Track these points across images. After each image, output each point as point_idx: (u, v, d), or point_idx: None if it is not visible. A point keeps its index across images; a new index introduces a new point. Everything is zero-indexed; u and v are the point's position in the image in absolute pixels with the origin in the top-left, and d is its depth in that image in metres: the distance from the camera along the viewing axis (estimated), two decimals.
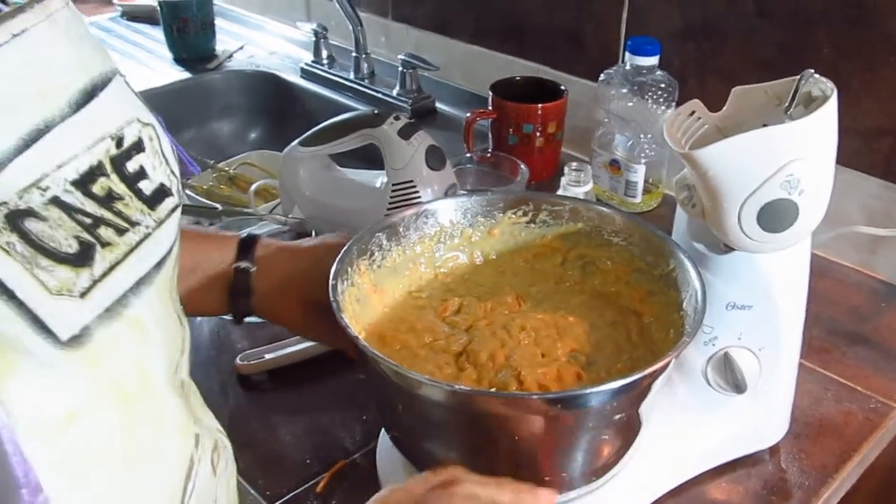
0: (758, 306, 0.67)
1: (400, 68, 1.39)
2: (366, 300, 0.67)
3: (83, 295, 0.37)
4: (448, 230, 0.73)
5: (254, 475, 0.70)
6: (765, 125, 0.59)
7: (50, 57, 0.37)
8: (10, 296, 0.34)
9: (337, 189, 1.00)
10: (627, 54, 1.04)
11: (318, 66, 1.54)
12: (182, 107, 1.53)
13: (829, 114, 0.59)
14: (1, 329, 0.34)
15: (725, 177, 0.59)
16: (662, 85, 1.04)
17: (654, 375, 0.57)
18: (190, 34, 1.65)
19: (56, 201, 0.36)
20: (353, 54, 1.47)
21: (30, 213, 0.35)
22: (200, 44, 1.66)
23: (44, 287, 0.35)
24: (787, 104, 0.61)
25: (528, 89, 1.16)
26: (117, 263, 0.39)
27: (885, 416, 0.78)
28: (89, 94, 0.39)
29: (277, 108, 1.59)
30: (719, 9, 1.03)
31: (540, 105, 1.12)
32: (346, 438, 0.72)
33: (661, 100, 1.04)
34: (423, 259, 0.73)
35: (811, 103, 0.60)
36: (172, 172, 0.44)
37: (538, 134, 1.13)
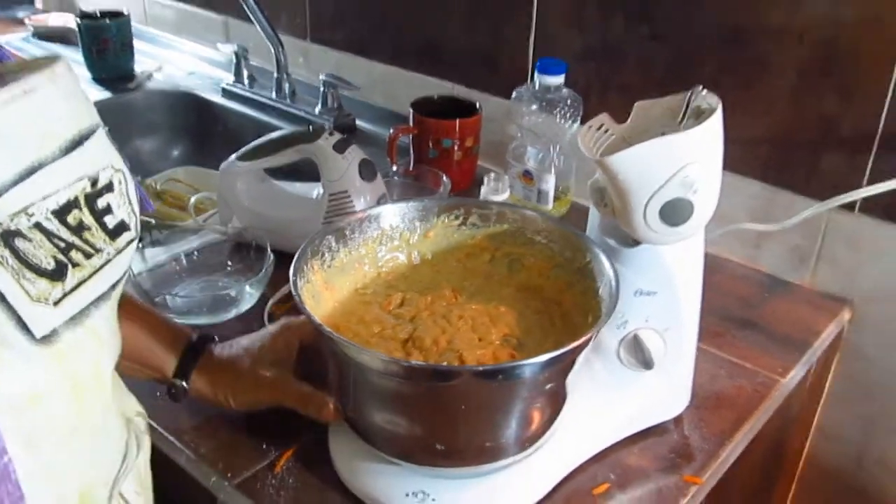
0: (661, 292, 0.77)
1: (321, 88, 1.46)
2: (319, 296, 0.74)
3: (56, 304, 0.45)
4: (388, 233, 0.81)
5: (215, 458, 0.77)
6: (663, 134, 0.69)
7: (50, 111, 0.45)
8: (2, 298, 0.42)
9: (275, 200, 1.07)
10: (536, 74, 1.14)
11: (239, 85, 1.60)
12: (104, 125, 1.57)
13: (715, 123, 0.69)
14: None
15: (632, 179, 0.69)
16: (569, 101, 1.15)
17: (577, 350, 0.66)
18: (109, 55, 1.68)
19: (38, 226, 0.44)
20: (275, 75, 1.54)
21: (19, 233, 0.42)
22: (120, 64, 1.70)
23: (27, 294, 0.43)
24: (681, 116, 0.72)
25: (446, 107, 1.25)
26: (83, 281, 0.47)
27: (770, 388, 0.89)
28: (77, 143, 0.46)
29: (199, 127, 1.64)
30: (617, 33, 1.14)
31: (458, 121, 1.21)
32: (300, 426, 0.78)
33: (567, 115, 1.14)
34: (367, 259, 0.80)
35: (701, 115, 0.71)
36: (133, 211, 0.51)
37: (456, 148, 1.22)
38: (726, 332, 0.98)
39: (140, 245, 1.00)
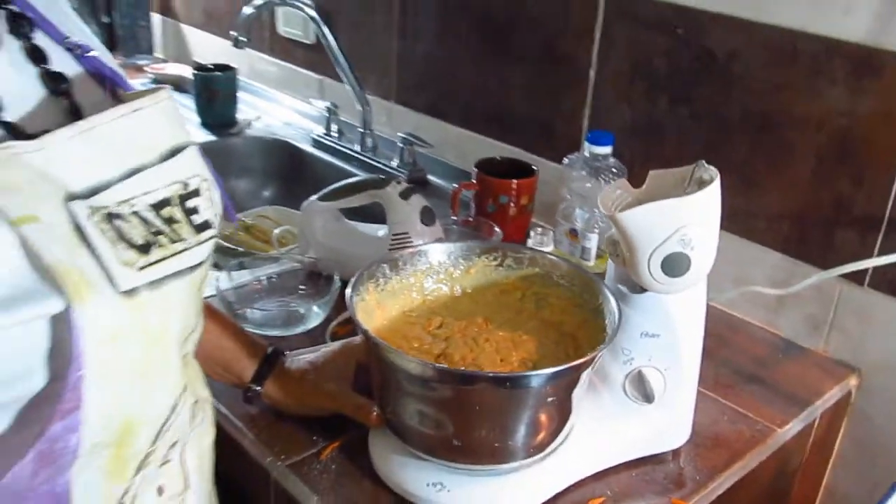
0: (664, 335, 0.88)
1: (399, 144, 1.63)
2: (371, 313, 0.88)
3: (139, 269, 0.58)
4: (436, 267, 0.95)
5: (272, 443, 0.91)
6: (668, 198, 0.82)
7: (152, 127, 0.60)
8: (98, 257, 0.55)
9: (346, 237, 1.22)
10: (587, 143, 1.28)
11: (328, 137, 1.78)
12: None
13: (714, 191, 0.82)
14: (89, 274, 0.55)
15: (638, 234, 0.82)
16: (614, 170, 1.28)
17: (577, 368, 0.78)
18: (217, 103, 1.89)
19: (136, 214, 0.58)
20: (360, 130, 1.71)
21: (119, 216, 0.57)
22: (225, 112, 1.91)
23: (117, 258, 0.56)
24: (686, 184, 0.85)
25: (506, 167, 1.39)
26: (163, 259, 0.60)
27: (766, 436, 0.99)
28: (172, 153, 0.61)
29: (289, 172, 1.82)
30: (661, 112, 1.27)
31: (515, 181, 1.36)
32: (346, 424, 0.92)
33: (613, 181, 1.28)
34: (415, 288, 0.94)
35: (703, 184, 0.84)
36: (216, 214, 0.66)
37: (512, 204, 1.36)
38: (735, 384, 1.08)
39: (228, 267, 1.17)
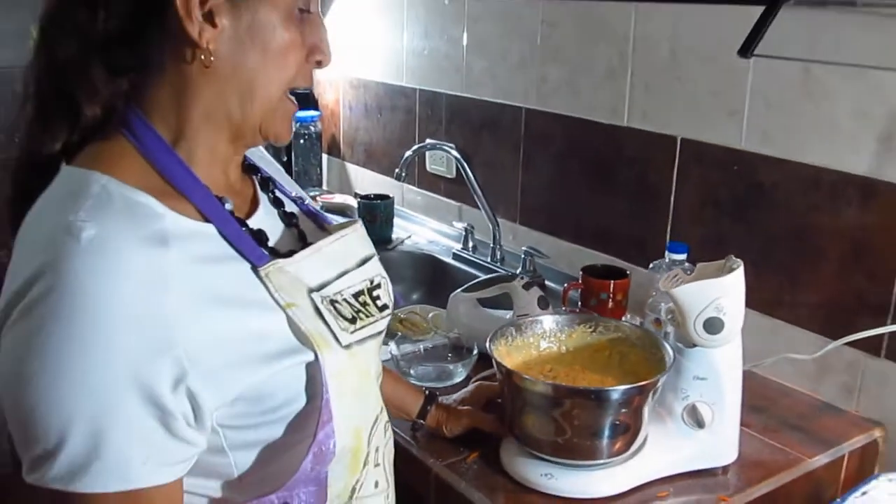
0: (710, 378, 1.25)
1: (522, 256, 2.05)
2: (502, 359, 1.29)
3: (351, 333, 0.89)
4: (547, 332, 1.35)
5: (433, 450, 1.31)
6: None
7: (352, 245, 0.98)
8: (329, 326, 0.86)
9: (482, 319, 1.64)
10: (668, 252, 1.67)
11: (465, 251, 2.23)
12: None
13: (738, 275, 1.20)
14: (325, 336, 0.85)
15: (686, 304, 1.20)
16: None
17: (645, 388, 1.15)
18: (377, 225, 2.37)
19: (345, 300, 0.93)
20: (491, 245, 2.15)
21: (336, 301, 0.92)
22: (383, 232, 2.38)
23: (339, 327, 0.91)
24: (721, 271, 1.23)
25: (606, 272, 1.79)
26: (363, 327, 0.91)
27: (798, 463, 1.32)
28: (363, 261, 0.97)
29: (434, 279, 2.27)
30: (724, 228, 1.66)
31: (612, 281, 1.75)
32: (482, 440, 1.31)
33: None
34: (533, 346, 1.34)
35: (731, 270, 1.22)
36: (391, 299, 1.02)
37: (610, 300, 1.75)
38: (779, 430, 1.42)
39: (397, 340, 1.59)
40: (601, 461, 1.21)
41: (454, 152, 2.19)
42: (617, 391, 1.15)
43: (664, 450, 1.27)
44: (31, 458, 0.74)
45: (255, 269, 0.84)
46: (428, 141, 2.31)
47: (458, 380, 1.53)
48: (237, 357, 0.80)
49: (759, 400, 1.50)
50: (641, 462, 1.24)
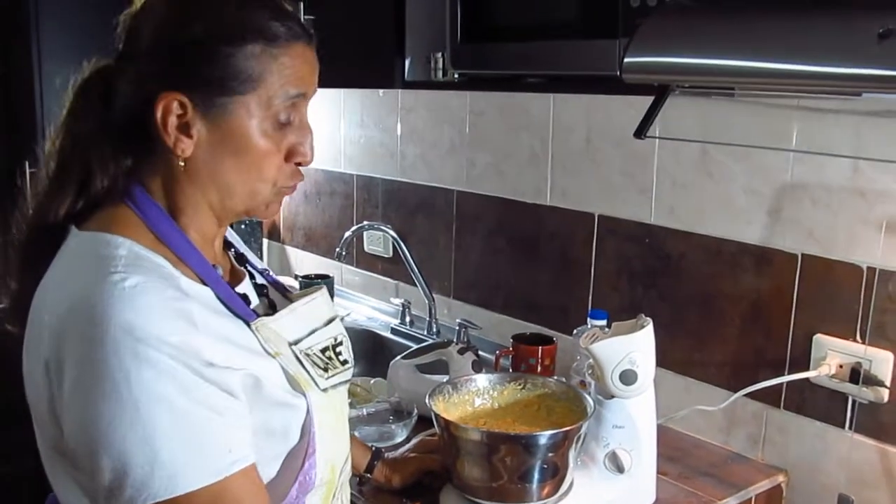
0: (627, 427, 1.38)
1: (456, 328, 2.18)
2: (440, 413, 1.40)
3: (326, 379, 1.08)
4: (482, 389, 1.48)
5: (379, 503, 1.41)
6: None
7: (319, 307, 1.13)
8: (308, 372, 1.05)
9: (420, 383, 1.76)
10: (589, 319, 1.82)
11: (402, 326, 2.35)
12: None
13: (648, 331, 1.35)
14: (308, 380, 1.04)
15: (603, 358, 1.34)
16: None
17: (569, 434, 1.28)
18: None
19: (315, 353, 1.08)
20: (427, 319, 2.28)
21: (309, 355, 1.07)
22: None
23: (315, 374, 1.06)
24: (634, 328, 1.38)
25: (534, 339, 1.93)
26: (333, 375, 1.09)
27: None
28: (328, 322, 1.14)
29: (373, 353, 2.38)
30: (637, 296, 1.82)
31: (540, 348, 1.88)
32: (422, 492, 1.41)
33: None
34: (468, 403, 1.46)
35: (642, 327, 1.37)
36: (350, 356, 1.16)
37: (539, 365, 1.88)
38: (692, 477, 1.56)
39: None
40: None
41: (391, 232, 2.33)
42: (544, 436, 1.28)
43: (589, 495, 1.39)
44: (132, 483, 0.85)
45: (247, 324, 0.98)
46: (365, 222, 2.45)
47: (398, 440, 1.64)
48: (252, 394, 0.94)
49: (673, 451, 1.64)
50: None
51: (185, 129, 0.93)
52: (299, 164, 1.01)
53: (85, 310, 0.86)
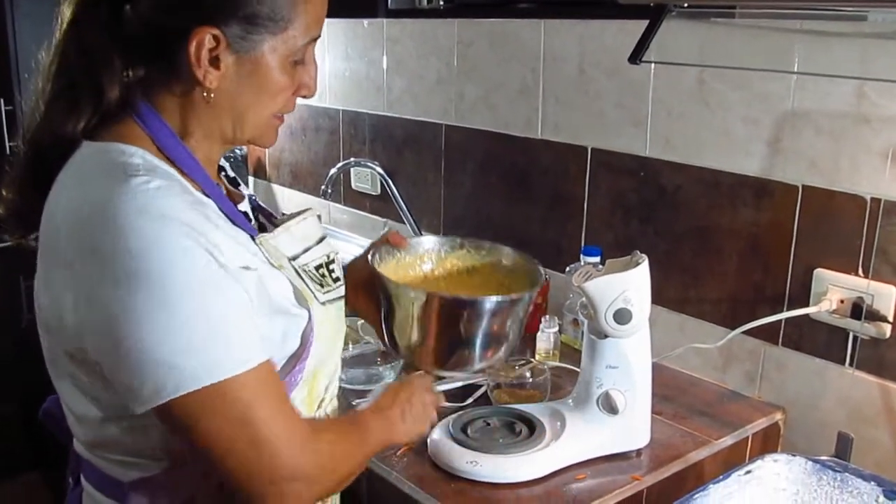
0: (621, 367, 1.34)
1: None
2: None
3: (324, 294, 1.07)
4: (430, 251, 1.36)
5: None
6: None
7: (310, 227, 1.12)
8: (308, 286, 1.04)
9: None
10: (583, 256, 1.77)
11: None
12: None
13: (643, 268, 1.29)
14: (310, 293, 1.04)
15: (597, 297, 1.29)
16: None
17: (515, 302, 1.19)
18: None
19: (312, 269, 1.07)
20: None
21: (304, 270, 1.06)
22: None
23: (314, 288, 1.05)
24: (628, 266, 1.32)
25: None
26: (329, 290, 1.09)
27: (705, 444, 1.42)
28: (320, 240, 1.13)
29: None
30: (633, 231, 1.76)
31: None
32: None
33: None
34: (417, 265, 1.35)
35: (637, 265, 1.31)
36: (342, 273, 1.15)
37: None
38: (688, 417, 1.52)
39: None
40: (477, 369, 1.23)
41: (378, 169, 2.26)
42: (491, 301, 1.18)
43: (581, 435, 1.35)
44: (156, 375, 0.87)
45: (251, 238, 1.01)
46: (352, 159, 2.38)
47: (386, 381, 1.60)
48: (259, 299, 0.97)
49: (668, 390, 1.60)
50: (560, 447, 1.32)
51: (214, 61, 0.95)
52: (304, 96, 1.05)
53: (110, 208, 0.88)
